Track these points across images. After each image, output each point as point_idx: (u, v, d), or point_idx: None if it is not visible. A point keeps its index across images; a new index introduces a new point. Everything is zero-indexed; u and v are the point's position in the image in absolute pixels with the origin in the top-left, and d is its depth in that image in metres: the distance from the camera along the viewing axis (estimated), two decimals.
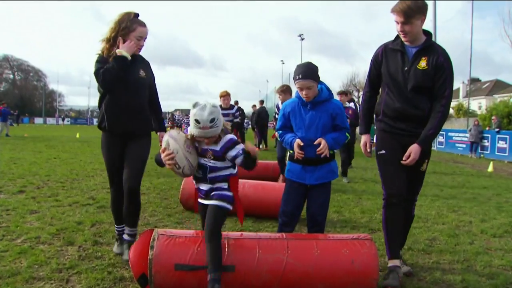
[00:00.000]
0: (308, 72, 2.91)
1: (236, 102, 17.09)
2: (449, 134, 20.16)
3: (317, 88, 2.95)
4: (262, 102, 18.21)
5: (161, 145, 2.80)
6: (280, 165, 6.96)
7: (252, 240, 2.59)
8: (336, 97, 11.82)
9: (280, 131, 3.16)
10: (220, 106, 7.16)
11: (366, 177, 8.78)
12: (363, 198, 6.20)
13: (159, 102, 3.55)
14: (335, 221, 4.69)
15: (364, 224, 4.58)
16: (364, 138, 3.27)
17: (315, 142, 2.91)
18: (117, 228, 3.39)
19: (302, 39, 46.63)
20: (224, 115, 6.70)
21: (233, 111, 7.70)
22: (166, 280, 2.41)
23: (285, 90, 6.23)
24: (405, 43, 2.97)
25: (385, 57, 3.06)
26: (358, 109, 8.39)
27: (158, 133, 3.54)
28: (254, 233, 2.97)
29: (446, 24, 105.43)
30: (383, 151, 3.06)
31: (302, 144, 2.93)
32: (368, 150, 3.24)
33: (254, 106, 18.54)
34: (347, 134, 3.00)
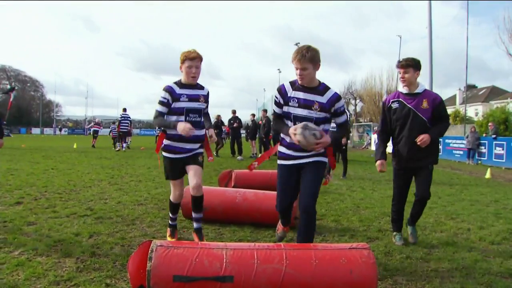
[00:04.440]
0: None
1: (234, 112, 17.21)
2: (446, 141, 20.22)
3: None
4: (265, 111, 18.30)
5: None
6: None
7: (250, 250, 2.58)
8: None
9: None
10: (179, 82, 3.91)
11: (364, 185, 8.79)
12: (361, 207, 6.20)
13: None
14: (333, 230, 4.69)
15: (362, 233, 4.58)
16: None
17: None
18: None
19: None
20: (191, 97, 3.88)
21: (205, 92, 4.02)
22: None
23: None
24: None
25: None
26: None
27: None
28: (252, 243, 2.96)
29: (442, 30, 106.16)
30: None
31: None
32: None
33: (252, 115, 18.61)
34: None
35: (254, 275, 2.43)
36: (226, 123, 20.81)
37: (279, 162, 3.39)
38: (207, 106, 4.13)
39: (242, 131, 18.55)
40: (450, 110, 47.32)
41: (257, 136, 17.68)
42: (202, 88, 4.02)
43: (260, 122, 17.62)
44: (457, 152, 19.08)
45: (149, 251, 2.49)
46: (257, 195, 4.85)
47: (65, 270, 3.14)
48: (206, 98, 4.06)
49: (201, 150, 4.04)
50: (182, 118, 3.82)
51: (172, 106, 3.83)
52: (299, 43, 47.34)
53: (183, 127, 3.63)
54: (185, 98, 3.84)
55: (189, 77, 3.85)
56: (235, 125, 16.63)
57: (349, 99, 58.34)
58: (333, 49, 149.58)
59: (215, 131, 17.14)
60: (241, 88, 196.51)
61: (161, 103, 3.82)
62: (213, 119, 17.46)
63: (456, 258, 3.74)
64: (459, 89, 49.96)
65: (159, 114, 3.85)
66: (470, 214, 5.85)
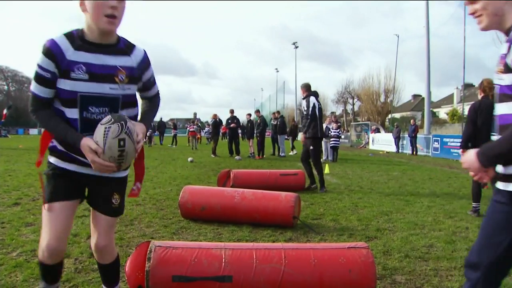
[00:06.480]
0: None
1: (232, 111, 17.25)
2: (444, 139, 20.26)
3: None
4: (258, 111, 18.35)
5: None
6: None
7: (249, 250, 2.58)
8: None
9: None
10: (78, 34, 1.91)
11: (362, 184, 8.80)
12: (360, 206, 6.20)
13: None
14: (332, 229, 4.69)
15: (361, 232, 4.58)
16: None
17: None
18: None
19: (296, 47, 46.97)
20: (97, 72, 1.91)
21: (134, 60, 2.00)
22: None
23: None
24: None
25: None
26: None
27: None
28: (251, 243, 2.96)
29: (440, 29, 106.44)
30: None
31: None
32: None
33: (248, 115, 18.64)
34: None
35: (253, 275, 2.43)
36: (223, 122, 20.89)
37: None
38: (147, 86, 2.17)
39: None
40: (447, 108, 47.50)
41: (254, 135, 17.71)
42: (128, 51, 2.02)
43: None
44: (455, 150, 19.09)
45: (148, 252, 2.49)
46: (256, 195, 4.85)
47: (63, 271, 3.13)
48: (135, 72, 2.03)
49: (122, 174, 2.18)
50: (75, 112, 1.94)
51: (57, 85, 1.92)
52: (296, 42, 47.56)
53: (88, 147, 1.86)
54: (81, 72, 1.90)
55: (102, 21, 1.85)
56: (232, 125, 16.64)
57: (347, 98, 58.52)
58: (331, 49, 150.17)
59: (215, 130, 17.48)
60: (238, 88, 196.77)
61: (37, 78, 1.93)
62: (211, 120, 17.49)
63: (455, 256, 3.74)
64: (457, 88, 50.08)
65: (36, 103, 1.96)
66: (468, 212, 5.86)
